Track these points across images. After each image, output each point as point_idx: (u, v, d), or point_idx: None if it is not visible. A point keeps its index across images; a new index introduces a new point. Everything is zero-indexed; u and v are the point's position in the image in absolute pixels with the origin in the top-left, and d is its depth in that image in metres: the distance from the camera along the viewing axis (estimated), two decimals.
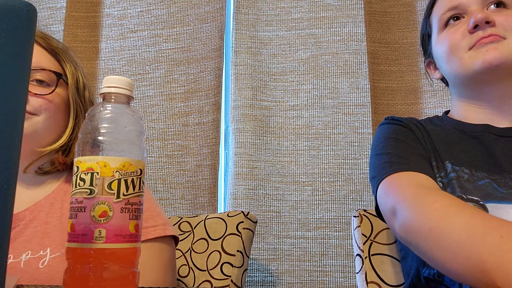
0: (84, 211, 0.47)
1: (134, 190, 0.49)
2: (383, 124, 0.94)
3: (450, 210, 0.62)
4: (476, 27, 0.84)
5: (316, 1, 1.51)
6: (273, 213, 1.39)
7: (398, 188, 0.75)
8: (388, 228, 1.01)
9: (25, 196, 0.85)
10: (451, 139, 0.86)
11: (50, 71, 0.84)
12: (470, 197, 0.75)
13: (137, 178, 0.50)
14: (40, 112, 0.82)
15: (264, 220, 1.38)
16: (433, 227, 0.61)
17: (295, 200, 1.40)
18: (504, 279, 0.49)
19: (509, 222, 0.56)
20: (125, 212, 0.48)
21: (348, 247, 1.34)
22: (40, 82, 0.83)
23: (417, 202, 0.68)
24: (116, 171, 0.48)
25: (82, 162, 0.48)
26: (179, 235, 1.08)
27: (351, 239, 1.27)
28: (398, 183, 0.76)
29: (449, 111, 0.98)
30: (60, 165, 0.85)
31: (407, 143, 0.85)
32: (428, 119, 0.97)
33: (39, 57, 0.84)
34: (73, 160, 0.84)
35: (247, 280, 1.36)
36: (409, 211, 0.68)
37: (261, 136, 1.44)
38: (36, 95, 0.81)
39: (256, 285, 1.36)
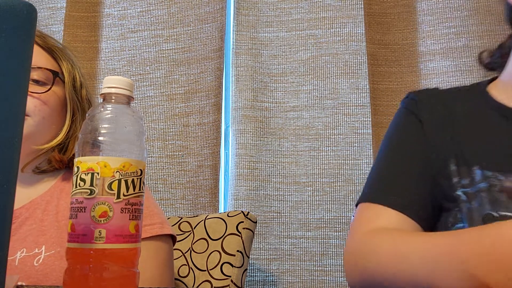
0: (84, 211, 0.47)
1: (134, 191, 0.49)
2: (400, 107, 0.81)
3: (401, 248, 0.57)
4: None
5: (316, 2, 1.51)
6: (274, 214, 1.39)
7: (357, 227, 0.68)
8: None
9: (22, 194, 0.85)
10: (487, 131, 0.68)
11: (47, 69, 0.84)
12: (504, 213, 0.61)
13: (138, 178, 0.50)
14: (34, 114, 0.81)
15: (265, 220, 1.38)
16: (398, 271, 0.56)
17: (296, 201, 1.40)
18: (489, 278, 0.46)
19: (458, 232, 0.53)
20: (125, 213, 0.48)
21: None
22: (36, 81, 0.83)
23: (372, 253, 0.61)
24: (117, 172, 0.48)
25: (83, 162, 0.49)
26: (179, 235, 1.08)
27: None
28: (361, 219, 0.69)
29: (495, 78, 0.77)
30: (57, 163, 0.85)
31: (404, 155, 0.74)
32: (465, 90, 0.77)
33: (36, 56, 0.84)
34: (69, 158, 0.86)
35: (248, 280, 1.36)
36: (363, 259, 0.62)
37: (261, 137, 1.44)
38: (32, 94, 0.81)
39: (257, 284, 1.36)
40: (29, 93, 0.80)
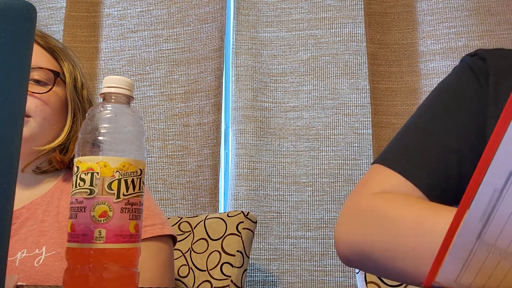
0: (84, 211, 0.47)
1: (134, 190, 0.49)
2: (461, 64, 0.68)
3: (426, 220, 0.49)
4: None
5: (316, 2, 1.51)
6: (274, 214, 1.39)
7: (362, 188, 0.61)
8: None
9: (22, 195, 0.85)
10: None
11: (48, 69, 0.84)
12: None
13: (137, 178, 0.50)
14: (36, 114, 0.81)
15: (264, 220, 1.39)
16: (417, 245, 0.49)
17: (296, 201, 1.40)
18: None
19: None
20: (125, 212, 0.48)
21: None
22: (37, 82, 0.82)
23: (384, 219, 0.53)
24: (116, 171, 0.48)
25: (82, 162, 0.48)
26: (179, 235, 1.08)
27: None
28: (367, 180, 0.61)
29: None
30: (57, 163, 0.85)
31: (447, 122, 0.62)
32: None
33: (37, 56, 0.84)
34: (70, 159, 0.86)
35: (248, 280, 1.36)
36: (371, 226, 0.54)
37: (261, 137, 1.44)
38: (33, 94, 0.81)
39: (257, 285, 1.36)
40: (30, 93, 0.80)
